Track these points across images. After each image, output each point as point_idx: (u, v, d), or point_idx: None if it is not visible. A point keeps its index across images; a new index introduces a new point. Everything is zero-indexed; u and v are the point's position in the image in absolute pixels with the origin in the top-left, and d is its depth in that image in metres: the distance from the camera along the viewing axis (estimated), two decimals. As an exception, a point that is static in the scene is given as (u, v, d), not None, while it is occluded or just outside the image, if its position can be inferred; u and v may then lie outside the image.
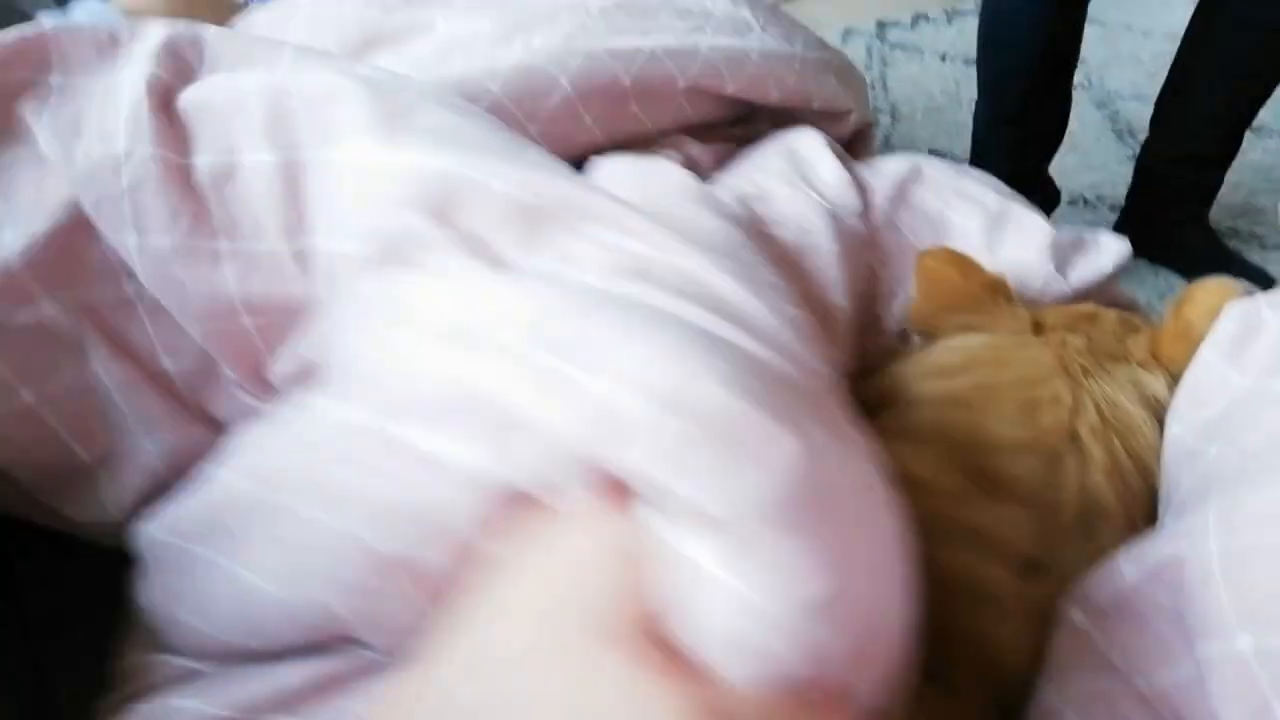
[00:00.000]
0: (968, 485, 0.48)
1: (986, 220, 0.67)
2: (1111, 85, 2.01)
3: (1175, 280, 1.54)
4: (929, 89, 2.00)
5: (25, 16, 0.67)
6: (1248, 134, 1.47)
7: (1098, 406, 0.50)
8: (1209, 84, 1.41)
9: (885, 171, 0.69)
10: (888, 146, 1.81)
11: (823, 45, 0.85)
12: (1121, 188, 1.65)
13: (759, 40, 0.74)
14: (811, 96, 0.78)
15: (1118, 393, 0.51)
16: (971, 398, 0.52)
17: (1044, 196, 1.54)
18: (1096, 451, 0.48)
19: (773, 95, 0.75)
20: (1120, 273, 0.67)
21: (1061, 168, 1.61)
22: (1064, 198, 1.65)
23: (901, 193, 0.69)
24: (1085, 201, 1.72)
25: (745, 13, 0.77)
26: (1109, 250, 0.67)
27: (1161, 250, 1.56)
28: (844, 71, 0.87)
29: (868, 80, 2.00)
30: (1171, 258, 1.55)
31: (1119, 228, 1.62)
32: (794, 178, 0.67)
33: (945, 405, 0.52)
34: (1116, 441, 0.49)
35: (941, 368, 0.55)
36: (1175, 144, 1.49)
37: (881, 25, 2.20)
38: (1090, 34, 1.40)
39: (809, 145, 0.71)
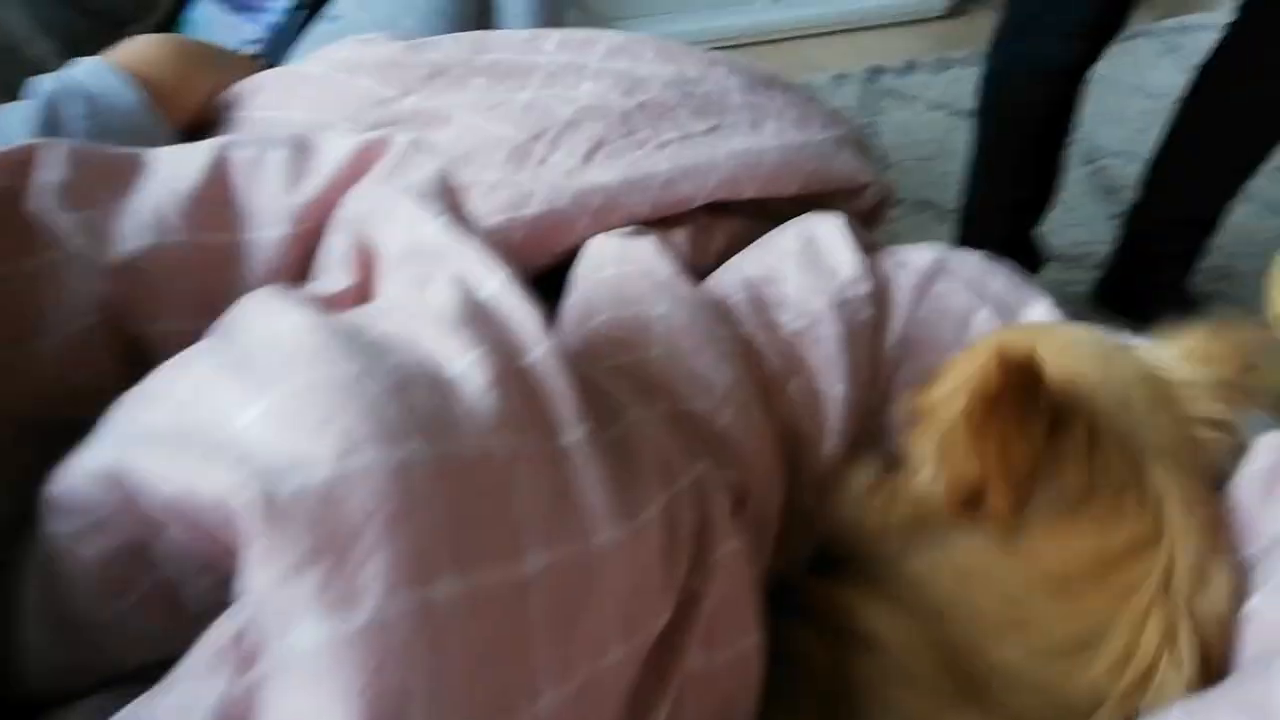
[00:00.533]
0: (944, 680, 0.44)
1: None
2: (1097, 141, 2.03)
3: (1156, 343, 1.55)
4: (919, 137, 2.01)
5: (35, 65, 0.64)
6: (1229, 198, 1.48)
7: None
8: (1207, 150, 1.42)
9: (910, 263, 0.69)
10: (877, 195, 1.82)
11: (837, 119, 0.85)
12: (1103, 245, 1.66)
13: (775, 133, 0.74)
14: (830, 180, 0.78)
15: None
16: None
17: (1032, 257, 1.55)
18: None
19: (792, 188, 0.75)
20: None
21: (1045, 223, 1.62)
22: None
23: (927, 287, 0.68)
24: (1069, 259, 1.73)
25: (761, 98, 0.76)
26: None
27: (1142, 313, 1.57)
28: (860, 144, 0.87)
29: (856, 127, 2.01)
30: (1149, 321, 1.57)
31: (1100, 286, 1.64)
32: (805, 262, 0.68)
33: (937, 581, 0.47)
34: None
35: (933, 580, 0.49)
36: (1167, 208, 1.51)
37: (873, 71, 2.21)
38: (1077, 90, 1.41)
39: (827, 231, 0.71)
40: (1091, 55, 1.28)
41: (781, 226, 0.73)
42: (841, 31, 2.40)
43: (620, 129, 0.71)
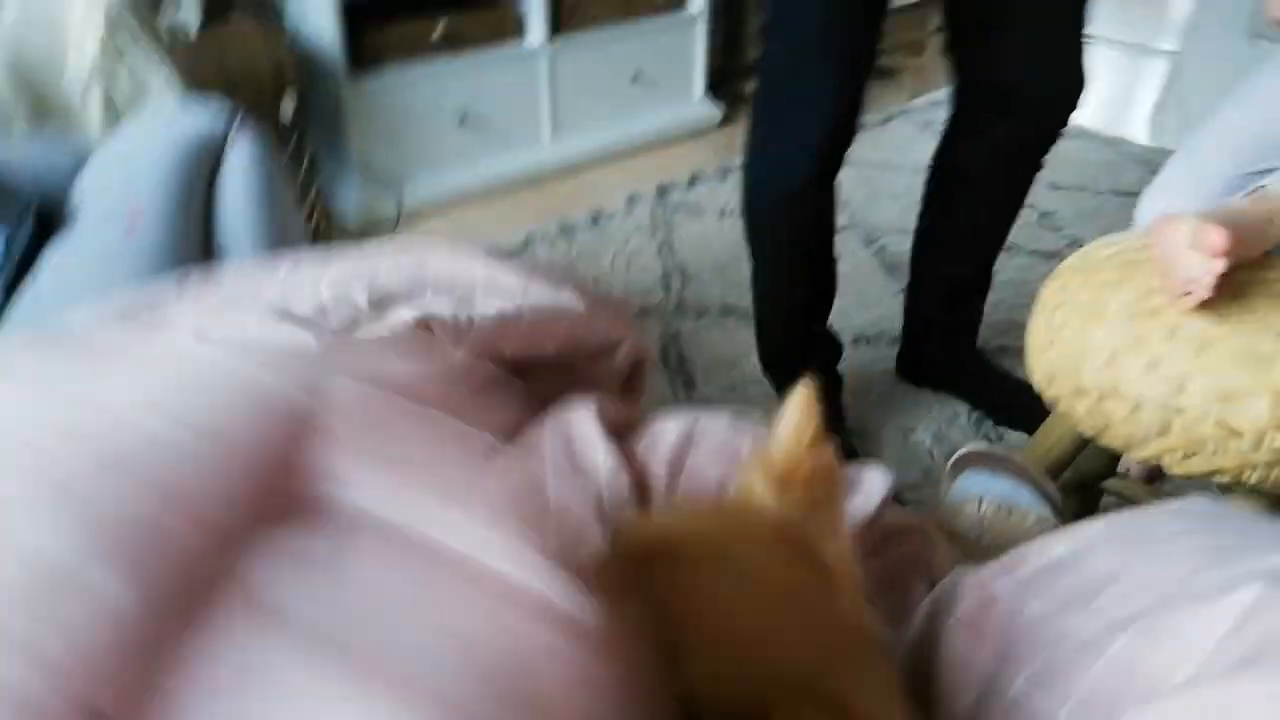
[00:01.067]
0: None
1: None
2: (874, 221, 2.17)
3: (960, 407, 1.64)
4: (713, 246, 2.09)
5: None
6: (1000, 255, 1.57)
7: None
8: (952, 222, 1.53)
9: (659, 443, 0.70)
10: (681, 308, 1.87)
11: (583, 282, 0.88)
12: (897, 321, 1.75)
13: (527, 297, 0.75)
14: (582, 342, 0.80)
15: None
16: None
17: (828, 350, 1.61)
18: None
19: (548, 349, 0.76)
20: (886, 505, 0.70)
21: (839, 308, 1.68)
22: (846, 337, 1.74)
23: (679, 464, 0.69)
24: (866, 340, 1.82)
25: (507, 269, 0.78)
26: (872, 487, 0.69)
27: (939, 380, 1.67)
28: (613, 305, 0.89)
29: (654, 245, 2.08)
30: (950, 385, 1.66)
31: (898, 362, 1.72)
32: (564, 468, 0.67)
33: None
34: None
35: None
36: (934, 280, 1.61)
37: (662, 189, 2.31)
38: (847, 175, 1.46)
39: (581, 429, 0.70)
40: (834, 160, 1.37)
41: (538, 425, 0.72)
42: (626, 155, 2.51)
43: (352, 322, 0.69)
